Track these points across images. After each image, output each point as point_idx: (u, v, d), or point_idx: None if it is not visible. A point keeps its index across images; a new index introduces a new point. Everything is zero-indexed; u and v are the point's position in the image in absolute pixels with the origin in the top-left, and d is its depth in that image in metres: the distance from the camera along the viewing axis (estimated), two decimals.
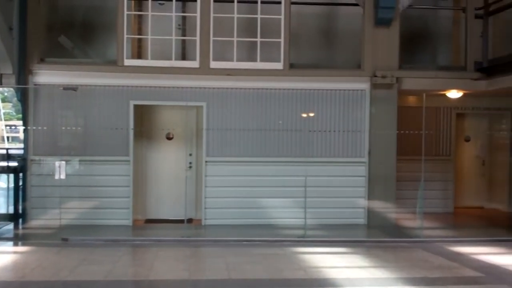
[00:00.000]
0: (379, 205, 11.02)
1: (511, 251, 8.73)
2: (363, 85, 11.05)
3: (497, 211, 13.10)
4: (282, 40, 10.85)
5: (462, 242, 9.44)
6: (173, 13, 10.90)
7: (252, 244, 9.14)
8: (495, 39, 11.92)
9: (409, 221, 10.70)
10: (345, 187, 11.07)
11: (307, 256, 8.28)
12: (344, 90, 11.08)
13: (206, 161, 10.85)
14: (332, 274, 7.14)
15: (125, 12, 10.62)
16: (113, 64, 10.78)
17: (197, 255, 8.75)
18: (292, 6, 11.06)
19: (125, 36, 10.68)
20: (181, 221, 10.54)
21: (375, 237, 10.04)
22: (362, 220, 11.11)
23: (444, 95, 12.02)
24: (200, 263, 8.30)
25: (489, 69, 11.25)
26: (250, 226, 10.54)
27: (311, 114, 10.99)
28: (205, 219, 10.89)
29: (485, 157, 13.60)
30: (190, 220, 10.99)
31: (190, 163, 11.40)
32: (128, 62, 10.76)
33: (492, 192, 13.51)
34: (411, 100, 12.25)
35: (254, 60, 10.91)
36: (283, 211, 10.80)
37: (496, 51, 11.64)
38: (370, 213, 11.05)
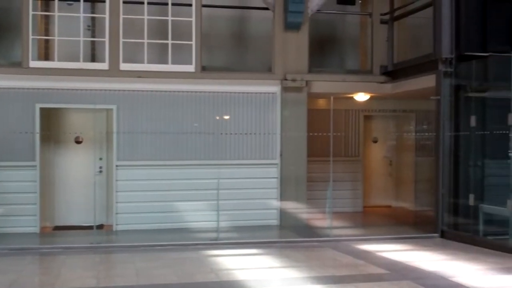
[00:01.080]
0: (291, 206, 11.21)
1: (415, 248, 9.08)
2: (274, 88, 11.20)
3: (404, 209, 13.62)
4: (193, 42, 10.82)
5: (370, 240, 9.76)
6: (81, 14, 10.63)
7: (164, 249, 9.04)
8: (400, 44, 12.42)
9: (320, 221, 10.94)
10: (258, 189, 11.18)
11: (219, 259, 8.29)
12: (256, 93, 11.18)
13: (116, 165, 10.64)
14: (243, 275, 7.18)
15: (30, 12, 10.27)
16: (18, 66, 10.38)
17: (107, 261, 8.56)
18: (204, 9, 11.07)
19: (31, 37, 10.32)
20: (91, 227, 10.28)
21: (287, 237, 10.18)
22: (275, 221, 11.25)
23: (352, 98, 12.39)
24: (109, 269, 8.13)
25: (394, 72, 11.72)
26: (163, 230, 10.44)
27: (225, 117, 11.03)
28: (117, 224, 10.68)
29: (392, 158, 14.12)
30: (101, 226, 10.75)
31: (101, 167, 11.14)
32: (34, 63, 10.39)
33: (399, 191, 14.04)
34: (321, 103, 12.53)
35: (166, 62, 10.83)
36: (196, 215, 10.75)
37: (400, 56, 12.14)
38: (283, 214, 11.22)
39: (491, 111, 9.85)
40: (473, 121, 9.62)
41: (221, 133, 10.82)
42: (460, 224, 9.94)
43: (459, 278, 6.99)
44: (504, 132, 8.76)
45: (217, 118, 10.96)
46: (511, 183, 8.52)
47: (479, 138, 9.86)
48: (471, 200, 9.66)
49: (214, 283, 6.88)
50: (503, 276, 7.16)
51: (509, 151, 8.62)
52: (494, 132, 9.45)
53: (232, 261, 8.17)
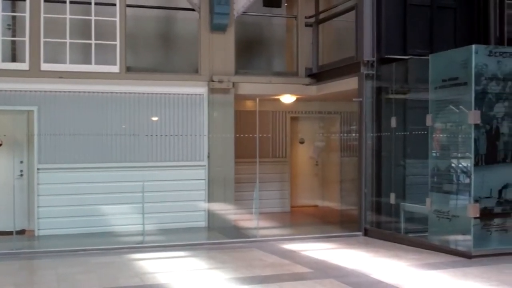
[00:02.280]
0: (219, 207, 11.21)
1: (339, 246, 9.26)
2: (201, 90, 11.17)
3: (330, 208, 13.88)
4: (117, 42, 10.64)
5: (296, 239, 9.88)
6: (0, 12, 10.24)
7: (88, 254, 8.83)
8: (325, 47, 12.66)
9: (247, 222, 10.99)
10: (186, 190, 11.11)
11: (144, 263, 8.18)
12: (183, 94, 11.11)
13: (38, 169, 10.31)
14: (167, 279, 7.11)
15: None
16: None
17: (27, 268, 8.28)
18: (129, 9, 10.91)
19: None
20: (11, 233, 9.91)
21: (214, 239, 10.17)
22: (203, 223, 11.21)
23: (279, 99, 12.52)
24: (29, 276, 7.86)
25: (319, 75, 11.93)
26: (87, 235, 10.19)
27: (151, 118, 10.89)
28: (39, 229, 10.34)
29: (318, 158, 14.36)
30: (22, 231, 10.38)
31: (21, 171, 10.76)
32: None
33: (325, 191, 14.30)
34: (249, 104, 12.60)
35: (89, 62, 10.59)
36: (121, 218, 10.56)
37: (325, 58, 12.37)
38: (211, 215, 11.20)
39: (411, 112, 10.17)
40: (393, 122, 9.92)
41: (146, 135, 10.68)
42: (383, 222, 10.22)
43: (380, 275, 7.18)
44: (423, 132, 9.07)
45: (144, 119, 10.82)
46: (430, 182, 8.82)
47: (400, 138, 10.17)
48: (392, 199, 9.95)
49: (137, 287, 6.78)
50: (422, 272, 7.41)
51: (429, 151, 8.91)
52: (414, 132, 9.77)
53: (157, 265, 8.08)
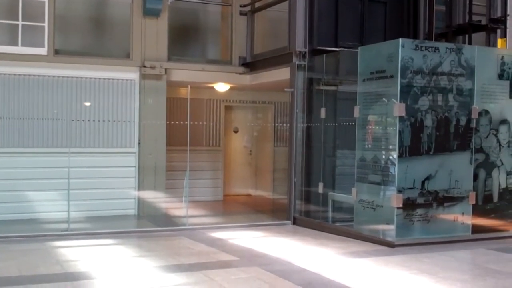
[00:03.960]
0: (149, 195, 11.09)
1: (268, 235, 9.32)
2: (133, 75, 10.99)
3: (263, 197, 13.99)
4: (46, 24, 10.33)
5: (225, 228, 9.88)
6: None
7: (10, 241, 8.57)
8: (259, 36, 12.66)
9: (178, 210, 10.92)
10: (115, 178, 10.94)
11: (68, 250, 7.99)
12: (113, 79, 10.90)
13: None
14: (90, 266, 6.97)
15: None
16: None
17: None
18: None
19: None
20: None
21: (143, 227, 10.06)
22: (132, 211, 11.07)
23: (214, 87, 12.46)
24: None
25: (253, 64, 11.94)
26: (10, 221, 9.90)
27: (85, 104, 10.63)
28: None
29: (252, 147, 14.41)
30: None
31: None
32: None
33: (258, 180, 14.38)
34: (182, 91, 12.47)
35: (15, 44, 10.23)
36: (46, 205, 10.29)
37: (259, 47, 12.37)
38: (141, 203, 11.07)
39: (341, 104, 10.33)
40: (323, 113, 10.05)
41: (72, 120, 10.42)
42: (311, 212, 10.36)
43: (304, 263, 7.26)
44: (351, 123, 9.21)
45: (73, 104, 10.54)
46: (356, 173, 8.99)
47: (330, 129, 10.32)
48: (320, 188, 10.09)
49: (57, 275, 6.61)
50: (345, 260, 7.55)
51: (356, 141, 9.06)
52: (343, 123, 9.93)
53: (81, 252, 7.91)
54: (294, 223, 10.26)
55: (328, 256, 7.79)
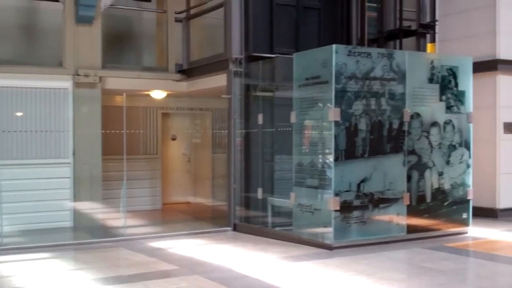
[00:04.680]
0: (85, 206, 10.85)
1: (208, 242, 9.28)
2: (66, 84, 10.73)
3: (202, 205, 13.92)
4: None
5: (165, 237, 9.77)
6: None
7: None
8: (195, 43, 12.63)
9: (115, 221, 10.73)
10: (49, 189, 10.63)
11: (1, 266, 7.72)
12: (46, 88, 10.61)
13: None
14: (25, 282, 6.76)
15: None
16: None
17: None
18: None
19: None
20: None
21: (80, 239, 9.81)
22: (68, 223, 10.79)
23: (150, 95, 12.33)
24: None
25: (189, 71, 11.90)
26: None
27: (16, 114, 10.30)
28: None
29: (190, 155, 14.33)
30: None
31: None
32: None
33: (197, 188, 14.31)
34: (118, 99, 12.28)
35: None
36: None
37: (196, 54, 12.35)
38: (77, 215, 10.81)
39: (278, 110, 10.41)
40: (260, 119, 10.12)
41: (3, 131, 10.08)
42: (251, 217, 10.39)
43: (245, 269, 7.28)
44: (288, 129, 9.31)
45: (2, 114, 10.20)
46: (294, 177, 9.08)
47: (268, 135, 10.40)
48: (260, 194, 10.15)
49: None
50: (285, 264, 7.62)
51: (293, 146, 9.15)
52: (280, 129, 10.02)
53: (15, 267, 7.66)
54: (234, 229, 10.26)
55: (268, 261, 7.83)
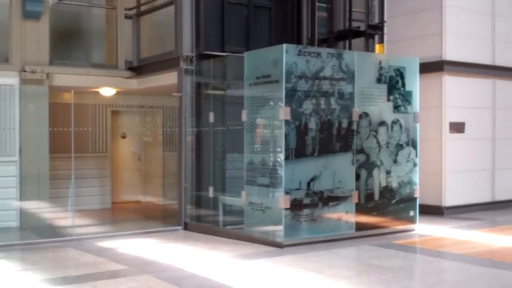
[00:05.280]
0: (32, 206, 10.61)
1: (158, 241, 9.21)
2: (12, 80, 10.47)
3: (153, 203, 13.81)
4: None
5: (114, 237, 9.64)
6: None
7: None
8: (146, 40, 12.50)
9: (63, 220, 10.54)
10: None
11: None
12: None
13: None
14: None
15: None
16: None
17: None
18: None
19: None
20: None
21: (27, 239, 9.59)
22: (15, 223, 10.54)
23: (99, 92, 12.14)
24: None
25: (139, 68, 11.77)
26: None
27: None
28: None
29: (141, 153, 14.19)
30: None
31: None
32: None
33: (148, 186, 14.18)
34: (66, 96, 12.04)
35: None
36: None
37: (146, 51, 12.22)
38: (23, 214, 10.57)
39: (229, 108, 10.42)
40: (211, 117, 10.10)
41: None
42: (202, 216, 10.37)
43: (195, 268, 7.26)
44: (239, 127, 9.32)
45: None
46: (245, 176, 9.10)
47: (219, 133, 10.38)
48: (211, 192, 10.14)
49: None
50: (236, 262, 7.63)
51: (244, 145, 9.17)
52: (231, 127, 10.02)
53: None
54: (185, 228, 10.21)
55: (219, 259, 7.83)
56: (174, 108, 12.58)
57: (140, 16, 12.13)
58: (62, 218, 10.72)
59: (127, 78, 11.77)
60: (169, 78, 10.68)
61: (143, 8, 12.08)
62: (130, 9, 11.99)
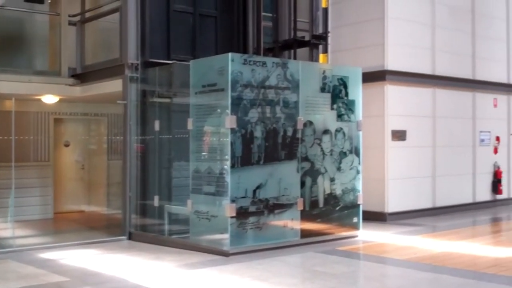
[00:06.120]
0: None
1: (102, 252, 9.05)
2: None
3: (97, 213, 13.56)
4: None
5: (56, 248, 9.41)
6: None
7: None
8: (91, 47, 12.31)
9: (3, 231, 10.23)
10: None
11: None
12: None
13: None
14: None
15: None
16: None
17: None
18: None
19: None
20: None
21: None
22: None
23: (41, 100, 11.87)
24: None
25: (83, 75, 11.58)
26: None
27: None
28: None
29: (84, 162, 13.93)
30: None
31: None
32: None
33: (92, 195, 13.92)
34: (7, 104, 11.69)
35: None
36: None
37: (91, 58, 12.03)
38: None
39: (175, 116, 10.36)
40: (157, 125, 10.03)
41: None
42: (148, 225, 10.25)
43: (139, 279, 7.17)
44: (185, 136, 9.28)
45: None
46: (191, 184, 9.06)
47: (165, 141, 10.30)
48: (156, 202, 10.04)
49: None
50: (181, 272, 7.58)
51: (190, 153, 9.14)
52: (177, 136, 9.97)
53: None
54: (130, 238, 10.06)
55: (164, 269, 7.76)
56: (119, 116, 12.40)
57: (85, 23, 11.94)
58: (1, 229, 10.40)
59: (70, 85, 11.55)
60: (113, 86, 10.54)
61: (87, 14, 11.90)
62: (74, 15, 11.79)
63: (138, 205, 10.25)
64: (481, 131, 14.04)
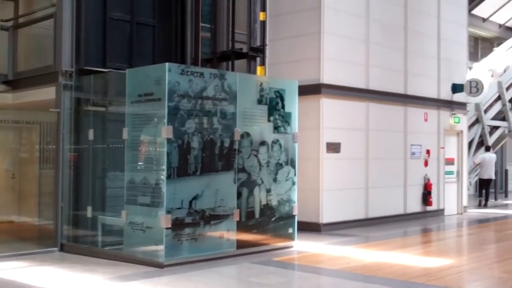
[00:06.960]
0: None
1: (33, 264, 8.78)
2: None
3: (28, 224, 13.15)
4: None
5: None
6: None
7: None
8: (24, 53, 11.97)
9: None
10: None
11: None
12: None
13: None
14: None
15: None
16: None
17: None
18: None
19: None
20: None
21: None
22: None
23: None
24: None
25: (15, 82, 11.25)
26: None
27: None
28: None
29: (15, 170, 13.49)
30: None
31: None
32: None
33: (22, 205, 13.49)
34: None
35: None
36: None
37: (23, 65, 11.70)
38: None
39: (110, 125, 10.20)
40: (91, 134, 9.85)
41: None
42: (80, 237, 10.03)
43: None
44: (121, 145, 9.15)
45: None
46: (125, 195, 8.93)
47: (100, 151, 10.12)
48: (89, 212, 9.84)
49: None
50: (113, 284, 7.45)
51: (125, 163, 9.01)
52: (112, 145, 9.82)
53: None
54: (61, 249, 9.80)
55: (95, 282, 7.61)
56: (52, 124, 12.08)
57: (18, 28, 11.62)
58: None
59: (1, 92, 11.19)
60: (47, 93, 10.29)
61: (21, 20, 11.59)
62: (6, 20, 11.45)
63: (71, 215, 10.02)
64: (412, 144, 14.48)
